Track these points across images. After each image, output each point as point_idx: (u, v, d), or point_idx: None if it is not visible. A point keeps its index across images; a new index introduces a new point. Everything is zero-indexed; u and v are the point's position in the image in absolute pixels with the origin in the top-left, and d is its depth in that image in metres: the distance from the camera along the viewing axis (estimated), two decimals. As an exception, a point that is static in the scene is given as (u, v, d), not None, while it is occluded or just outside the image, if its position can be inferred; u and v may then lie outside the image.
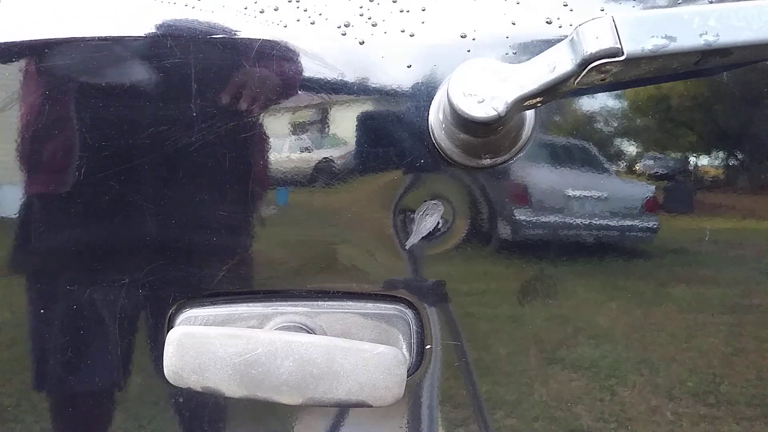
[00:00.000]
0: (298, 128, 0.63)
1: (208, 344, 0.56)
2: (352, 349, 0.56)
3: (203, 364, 0.56)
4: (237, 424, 0.71)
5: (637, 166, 0.63)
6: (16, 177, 0.63)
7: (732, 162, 0.65)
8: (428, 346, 0.66)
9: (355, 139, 0.62)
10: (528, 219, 0.63)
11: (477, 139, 0.56)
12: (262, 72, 0.61)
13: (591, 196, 0.64)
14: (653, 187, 0.63)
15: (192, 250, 0.64)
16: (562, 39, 0.50)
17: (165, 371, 0.57)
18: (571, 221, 0.63)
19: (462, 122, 0.53)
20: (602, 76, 0.50)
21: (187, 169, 0.62)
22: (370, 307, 0.66)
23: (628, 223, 0.64)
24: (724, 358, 0.68)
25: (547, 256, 0.64)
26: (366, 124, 0.62)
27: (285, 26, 0.61)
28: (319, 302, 0.66)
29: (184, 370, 0.57)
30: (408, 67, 0.61)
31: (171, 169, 0.62)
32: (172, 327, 0.65)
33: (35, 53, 0.61)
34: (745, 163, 0.65)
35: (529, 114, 0.60)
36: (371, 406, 0.56)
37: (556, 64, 0.49)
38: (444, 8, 0.61)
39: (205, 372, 0.56)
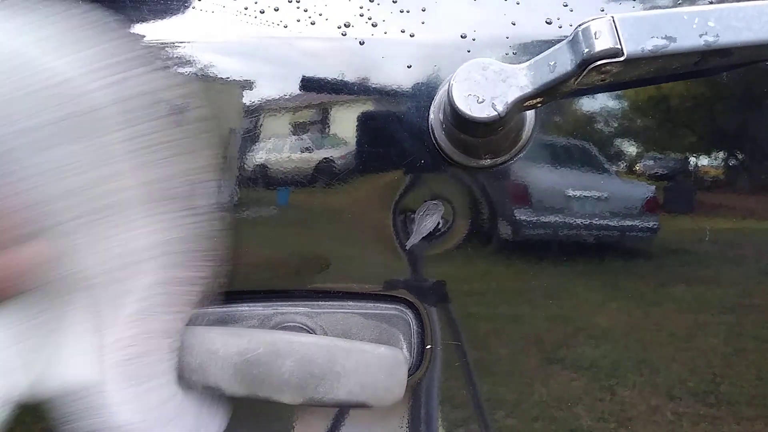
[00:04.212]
0: (298, 128, 0.63)
1: (209, 343, 0.57)
2: (353, 350, 0.57)
3: (204, 363, 0.56)
4: (237, 424, 0.71)
5: (637, 166, 0.63)
6: None
7: (732, 162, 0.65)
8: (428, 347, 0.66)
9: (356, 139, 0.62)
10: (528, 219, 0.63)
11: (477, 139, 0.56)
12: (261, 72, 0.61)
13: (591, 196, 0.64)
14: (653, 187, 0.63)
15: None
16: (562, 39, 0.50)
17: (165, 371, 0.57)
18: (572, 221, 0.63)
19: (462, 122, 0.53)
20: (602, 76, 0.50)
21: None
22: (371, 307, 0.66)
23: (628, 223, 0.64)
24: (724, 358, 0.68)
25: (547, 256, 0.64)
26: (366, 124, 0.62)
27: (285, 26, 0.61)
28: (320, 302, 0.66)
29: (185, 369, 0.57)
30: (408, 67, 0.61)
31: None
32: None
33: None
34: (745, 163, 0.65)
35: (529, 114, 0.60)
36: (372, 407, 0.56)
37: (556, 64, 0.49)
38: (444, 8, 0.61)
39: (206, 371, 0.56)
